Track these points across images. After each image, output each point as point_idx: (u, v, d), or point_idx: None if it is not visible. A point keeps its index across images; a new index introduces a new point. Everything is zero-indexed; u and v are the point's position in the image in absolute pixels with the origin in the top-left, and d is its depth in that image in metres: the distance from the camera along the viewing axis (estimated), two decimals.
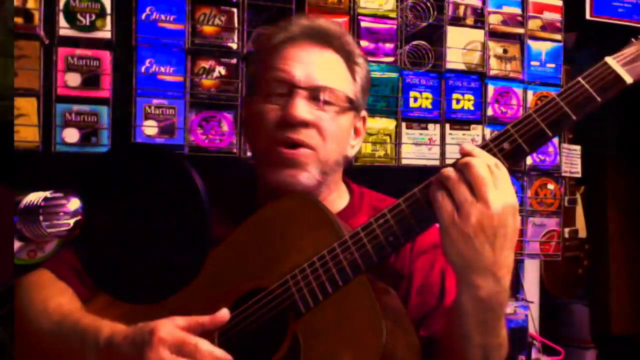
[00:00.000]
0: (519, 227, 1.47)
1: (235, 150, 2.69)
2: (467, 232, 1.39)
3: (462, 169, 1.42)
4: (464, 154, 1.45)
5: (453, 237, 1.41)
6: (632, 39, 1.57)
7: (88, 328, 1.58)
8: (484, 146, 1.49)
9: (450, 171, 1.43)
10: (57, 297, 1.73)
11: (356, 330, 1.46)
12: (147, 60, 2.57)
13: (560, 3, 3.30)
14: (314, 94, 1.76)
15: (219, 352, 1.46)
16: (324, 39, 1.83)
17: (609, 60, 1.52)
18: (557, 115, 1.49)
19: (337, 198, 1.93)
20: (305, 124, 1.74)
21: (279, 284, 1.55)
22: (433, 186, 1.45)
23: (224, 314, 1.51)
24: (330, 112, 1.78)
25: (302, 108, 1.73)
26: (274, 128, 1.75)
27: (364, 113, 1.93)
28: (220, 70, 2.67)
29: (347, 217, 1.80)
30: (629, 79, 1.49)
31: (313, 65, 1.79)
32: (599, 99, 1.50)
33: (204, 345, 1.44)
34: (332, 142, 1.79)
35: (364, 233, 1.51)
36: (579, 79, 1.52)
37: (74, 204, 1.15)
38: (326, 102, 1.78)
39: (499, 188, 1.40)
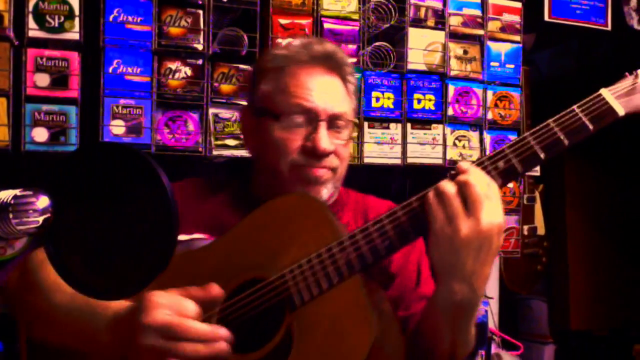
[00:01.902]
0: (501, 244, 1.57)
1: (200, 149, 2.75)
2: (454, 244, 1.49)
3: (461, 185, 1.51)
4: (462, 171, 1.54)
5: (440, 245, 1.51)
6: (627, 73, 1.63)
7: (98, 303, 1.63)
8: (480, 163, 1.58)
9: (447, 185, 1.52)
10: None
11: (348, 326, 1.53)
12: (115, 61, 2.63)
13: (519, 5, 3.40)
14: (332, 122, 1.90)
15: (206, 329, 1.51)
16: (329, 64, 1.95)
17: (603, 92, 1.59)
18: (550, 141, 1.57)
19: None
20: (329, 154, 1.88)
21: (277, 276, 1.61)
22: (430, 195, 1.54)
23: (216, 290, 1.56)
24: (344, 136, 1.93)
25: (325, 140, 1.86)
26: (299, 155, 1.88)
27: None
28: (187, 70, 2.74)
29: (335, 212, 1.87)
30: (621, 111, 1.57)
31: (327, 93, 1.91)
32: (591, 128, 1.57)
33: (192, 325, 1.49)
34: (345, 162, 1.96)
35: (361, 235, 1.58)
36: (574, 107, 1.59)
37: (43, 201, 1.14)
38: (341, 128, 1.92)
39: (490, 207, 1.49)
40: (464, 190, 1.50)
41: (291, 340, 1.57)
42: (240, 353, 1.59)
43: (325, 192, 1.91)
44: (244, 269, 1.68)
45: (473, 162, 1.59)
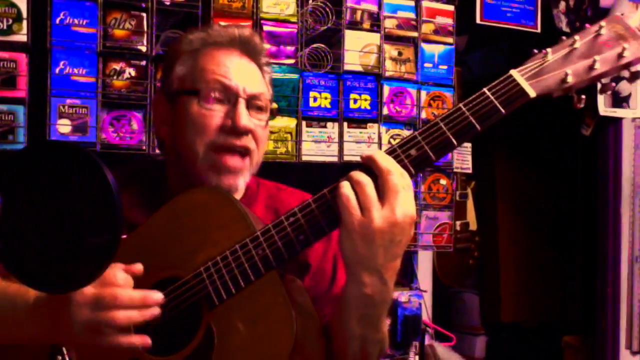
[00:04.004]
0: (411, 237, 1.58)
1: (144, 148, 2.88)
2: (367, 234, 1.46)
3: (378, 174, 1.48)
4: (375, 161, 1.50)
5: (353, 235, 1.47)
6: (534, 50, 1.59)
7: (17, 292, 1.62)
8: (392, 152, 1.53)
9: (361, 175, 1.49)
10: None
11: (269, 325, 1.54)
12: (61, 62, 2.76)
13: (452, 8, 3.57)
14: (251, 101, 1.86)
15: (137, 294, 1.55)
16: (246, 47, 1.92)
17: (514, 73, 1.54)
18: (462, 125, 1.52)
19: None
20: (248, 132, 1.84)
21: (193, 274, 1.60)
22: (342, 185, 1.50)
23: (139, 267, 1.59)
24: (262, 118, 1.90)
25: (245, 117, 1.82)
26: (217, 133, 1.83)
27: None
28: (131, 71, 2.87)
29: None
30: (532, 93, 1.52)
31: (246, 73, 1.89)
32: (503, 111, 1.52)
33: (122, 292, 1.52)
34: (261, 148, 1.92)
35: (275, 230, 1.56)
36: (485, 90, 1.54)
37: None
38: (260, 110, 1.89)
39: (405, 198, 1.47)
40: (379, 181, 1.48)
41: (212, 340, 1.57)
42: (161, 356, 1.61)
43: (242, 182, 1.87)
44: (158, 268, 1.65)
45: (385, 150, 1.55)
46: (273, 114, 1.98)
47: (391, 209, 1.45)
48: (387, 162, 1.49)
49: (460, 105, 1.54)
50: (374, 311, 1.60)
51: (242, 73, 1.88)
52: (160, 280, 1.63)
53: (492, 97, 1.53)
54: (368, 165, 1.51)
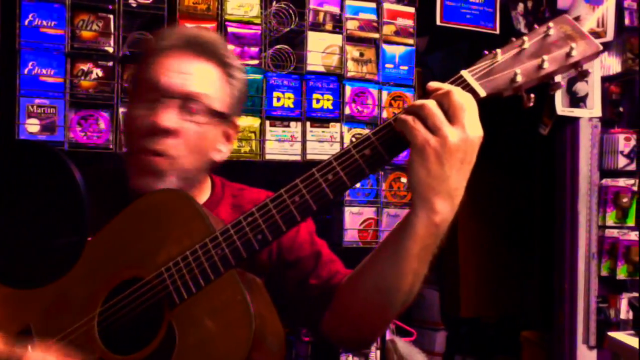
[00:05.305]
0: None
1: (111, 147, 2.97)
2: (441, 153, 1.42)
3: (440, 97, 1.45)
4: (435, 89, 1.48)
5: (426, 156, 1.43)
6: (485, 51, 1.57)
7: None
8: (346, 152, 1.52)
9: (423, 100, 1.46)
10: None
11: (229, 322, 1.54)
12: (30, 63, 2.85)
13: (413, 10, 3.68)
14: (185, 102, 1.81)
15: None
16: (202, 49, 1.86)
17: (464, 73, 1.53)
18: None
19: (200, 191, 1.99)
20: (168, 132, 1.78)
21: (154, 275, 1.60)
22: (402, 114, 1.48)
23: None
24: (199, 121, 1.83)
25: (167, 116, 1.78)
26: (141, 134, 1.79)
27: (236, 120, 1.98)
28: (98, 72, 2.96)
29: (212, 208, 1.88)
30: (482, 93, 1.51)
31: (188, 74, 1.83)
32: None
33: None
34: (194, 152, 1.85)
35: (234, 230, 1.56)
36: None
37: None
38: (196, 111, 1.82)
39: (472, 117, 1.45)
40: (444, 101, 1.44)
41: (174, 339, 1.57)
42: (123, 355, 1.60)
43: (163, 185, 1.80)
44: (122, 268, 1.66)
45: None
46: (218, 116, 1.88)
47: (461, 126, 1.43)
48: (445, 85, 1.48)
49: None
50: (434, 242, 1.55)
51: (183, 72, 1.83)
52: (123, 281, 1.65)
53: None
54: (428, 93, 1.50)
